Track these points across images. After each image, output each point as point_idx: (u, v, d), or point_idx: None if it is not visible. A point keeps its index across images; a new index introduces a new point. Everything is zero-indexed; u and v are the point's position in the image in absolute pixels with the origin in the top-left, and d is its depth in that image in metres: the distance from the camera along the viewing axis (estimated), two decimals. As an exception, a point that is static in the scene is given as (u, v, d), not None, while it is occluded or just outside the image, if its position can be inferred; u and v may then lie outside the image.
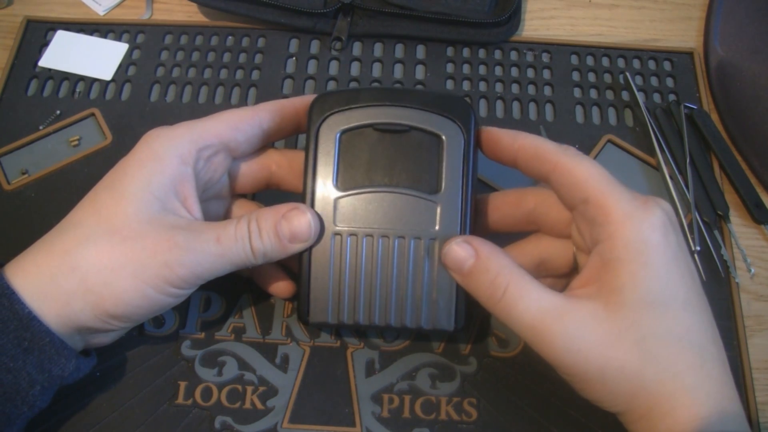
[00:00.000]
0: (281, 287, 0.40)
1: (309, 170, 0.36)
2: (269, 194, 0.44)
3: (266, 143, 0.39)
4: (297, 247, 0.35)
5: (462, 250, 0.33)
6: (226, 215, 0.39)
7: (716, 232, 0.44)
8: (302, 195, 0.36)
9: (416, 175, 0.36)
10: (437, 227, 0.35)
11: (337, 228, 0.35)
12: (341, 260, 0.35)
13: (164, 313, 0.40)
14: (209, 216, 0.38)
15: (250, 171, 0.39)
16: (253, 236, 0.33)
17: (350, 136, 0.36)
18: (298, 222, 0.34)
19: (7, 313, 0.30)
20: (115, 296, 0.31)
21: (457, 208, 0.35)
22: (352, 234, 0.35)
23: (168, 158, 0.33)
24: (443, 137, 0.36)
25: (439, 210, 0.35)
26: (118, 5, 0.53)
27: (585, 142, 0.47)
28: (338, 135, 0.36)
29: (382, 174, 0.36)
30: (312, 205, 0.35)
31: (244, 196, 0.42)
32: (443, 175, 0.36)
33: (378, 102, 0.36)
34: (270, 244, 0.34)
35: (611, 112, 0.49)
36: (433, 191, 0.36)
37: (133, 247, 0.32)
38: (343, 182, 0.36)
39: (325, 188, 0.35)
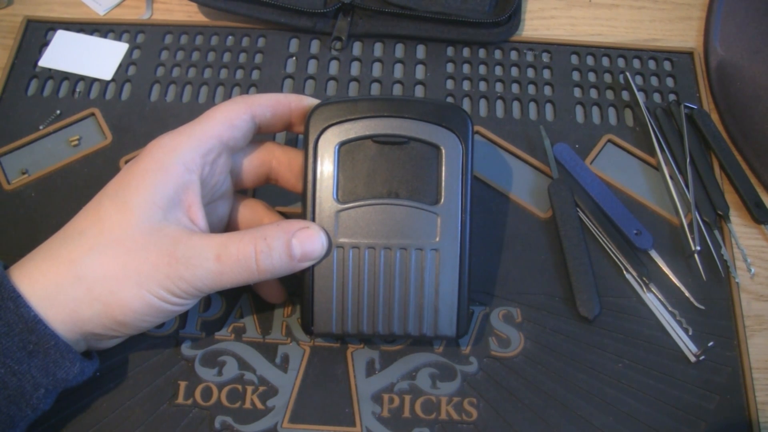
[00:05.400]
0: (274, 293, 0.40)
1: (309, 183, 0.36)
2: (269, 191, 0.44)
3: (258, 134, 0.39)
4: (305, 265, 0.35)
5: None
6: (232, 215, 0.39)
7: (716, 232, 0.44)
8: (303, 208, 0.36)
9: (416, 187, 0.36)
10: (438, 238, 0.36)
11: (340, 241, 0.35)
12: (344, 273, 0.36)
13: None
14: (216, 217, 0.38)
15: (251, 167, 0.39)
16: (262, 256, 0.33)
17: (349, 148, 0.36)
18: (311, 242, 0.34)
19: (13, 316, 0.30)
20: (121, 305, 0.32)
21: (457, 219, 0.36)
22: (354, 247, 0.35)
23: (172, 167, 0.33)
24: (442, 148, 0.36)
25: (439, 221, 0.36)
26: (118, 5, 0.53)
27: (585, 142, 0.47)
28: (337, 147, 0.36)
29: (382, 186, 0.36)
30: (313, 219, 0.35)
31: (244, 192, 0.42)
32: (443, 186, 0.36)
33: (376, 113, 0.36)
34: (280, 264, 0.34)
35: (611, 112, 0.49)
36: (433, 202, 0.36)
37: (135, 259, 0.32)
38: (343, 195, 0.36)
39: (326, 201, 0.36)
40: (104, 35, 0.51)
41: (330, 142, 0.36)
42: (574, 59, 0.51)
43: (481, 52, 0.51)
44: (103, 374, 0.38)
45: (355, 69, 0.50)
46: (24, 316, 0.30)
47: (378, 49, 0.51)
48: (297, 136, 0.47)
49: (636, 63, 0.51)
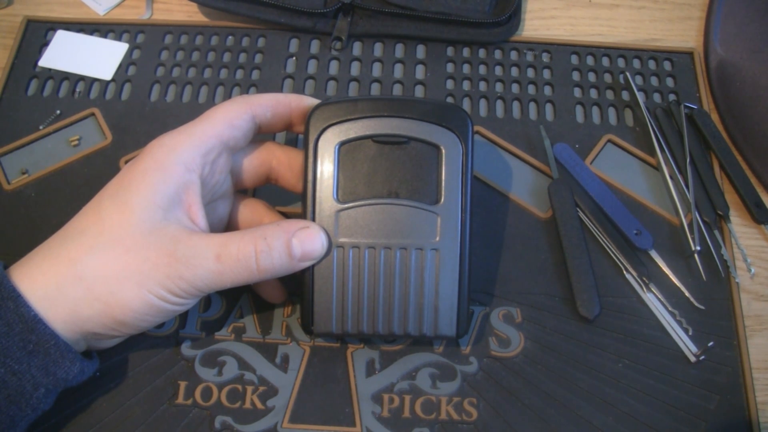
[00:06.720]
0: (274, 293, 0.40)
1: (309, 183, 0.36)
2: (269, 191, 0.44)
3: (259, 134, 0.39)
4: (306, 264, 0.35)
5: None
6: (232, 215, 0.39)
7: (716, 232, 0.44)
8: (303, 208, 0.36)
9: (416, 187, 0.36)
10: (438, 238, 0.36)
11: (340, 241, 0.35)
12: (344, 272, 0.36)
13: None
14: (216, 217, 0.38)
15: (251, 166, 0.39)
16: (262, 256, 0.33)
17: (349, 148, 0.36)
18: (311, 242, 0.34)
19: (13, 316, 0.30)
20: (121, 304, 0.32)
21: (457, 219, 0.36)
22: (354, 246, 0.35)
23: (172, 167, 0.33)
24: (442, 148, 0.36)
25: (439, 221, 0.36)
26: (118, 5, 0.53)
27: (585, 142, 0.47)
28: (337, 147, 0.36)
29: (382, 186, 0.36)
30: (313, 219, 0.35)
31: (244, 191, 0.42)
32: (443, 186, 0.36)
33: (376, 113, 0.36)
34: (280, 263, 0.34)
35: (611, 112, 0.49)
36: (433, 202, 0.36)
37: (136, 258, 0.32)
38: (343, 195, 0.36)
39: (326, 201, 0.36)
40: (104, 35, 0.51)
41: (330, 142, 0.36)
42: (574, 59, 0.51)
43: (481, 52, 0.51)
44: (103, 374, 0.38)
45: (355, 69, 0.50)
46: (24, 316, 0.30)
47: (378, 49, 0.51)
48: (297, 136, 0.47)
49: (636, 63, 0.51)
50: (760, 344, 0.40)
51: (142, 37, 0.51)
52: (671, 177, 0.45)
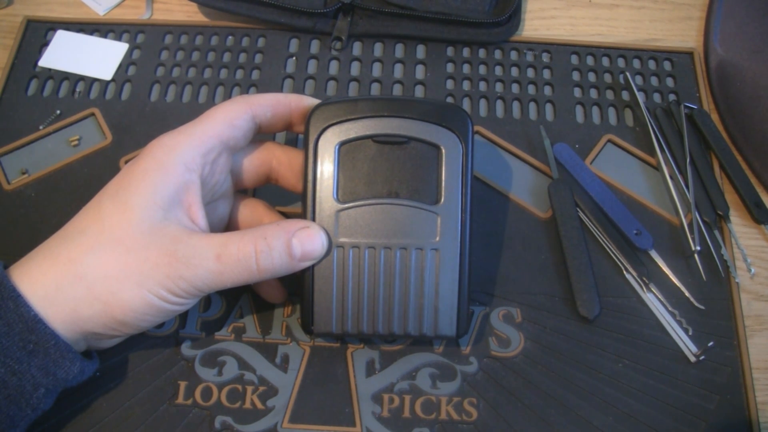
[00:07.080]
0: (274, 293, 0.40)
1: (309, 183, 0.36)
2: (269, 191, 0.44)
3: (259, 134, 0.39)
4: (306, 264, 0.35)
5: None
6: (232, 215, 0.39)
7: (716, 232, 0.44)
8: (303, 208, 0.36)
9: (416, 186, 0.36)
10: (438, 238, 0.36)
11: (340, 241, 0.36)
12: (344, 272, 0.36)
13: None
14: (216, 217, 0.38)
15: (251, 166, 0.39)
16: (262, 256, 0.33)
17: (349, 148, 0.36)
18: (311, 242, 0.34)
19: (13, 316, 0.30)
20: (121, 304, 0.32)
21: (457, 219, 0.36)
22: (354, 246, 0.35)
23: (172, 167, 0.33)
24: (442, 148, 0.36)
25: (439, 221, 0.36)
26: (118, 5, 0.53)
27: (585, 142, 0.47)
28: (337, 147, 0.36)
29: (382, 186, 0.36)
30: (313, 219, 0.35)
31: (244, 191, 0.42)
32: (443, 186, 0.36)
33: (376, 113, 0.36)
34: (281, 263, 0.34)
35: (611, 112, 0.49)
36: (433, 202, 0.36)
37: (136, 258, 0.32)
38: (343, 195, 0.36)
39: (326, 201, 0.36)
40: (104, 35, 0.51)
41: (330, 141, 0.36)
42: (574, 59, 0.51)
43: (481, 52, 0.51)
44: (103, 374, 0.38)
45: (355, 69, 0.50)
46: (24, 316, 0.30)
47: (378, 49, 0.51)
48: (297, 136, 0.47)
49: (636, 63, 0.51)
50: (760, 344, 0.40)
51: (142, 37, 0.51)
52: (671, 177, 0.45)
